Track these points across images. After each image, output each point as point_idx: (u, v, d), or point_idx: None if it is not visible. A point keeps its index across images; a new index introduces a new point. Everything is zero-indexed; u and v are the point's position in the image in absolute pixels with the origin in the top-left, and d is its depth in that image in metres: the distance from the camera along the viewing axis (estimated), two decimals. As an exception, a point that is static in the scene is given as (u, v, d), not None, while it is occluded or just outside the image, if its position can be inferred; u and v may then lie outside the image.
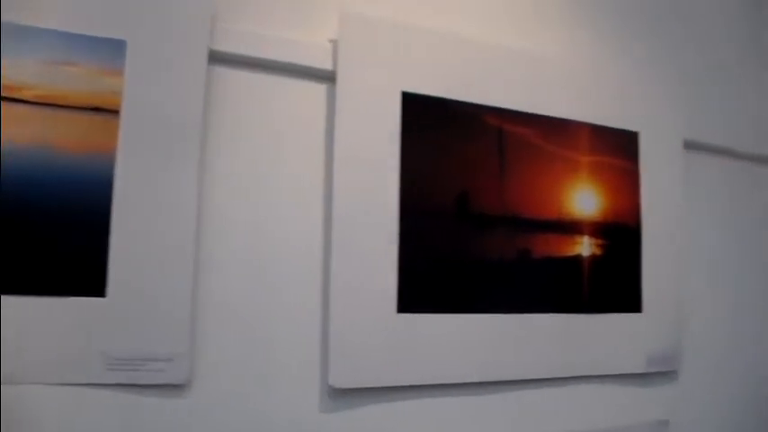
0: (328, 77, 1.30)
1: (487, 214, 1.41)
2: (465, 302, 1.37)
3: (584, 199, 1.53)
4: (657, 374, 1.64)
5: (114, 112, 1.10)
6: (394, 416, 1.30)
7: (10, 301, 1.01)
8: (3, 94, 1.02)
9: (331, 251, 1.25)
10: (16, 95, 1.04)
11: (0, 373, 1.00)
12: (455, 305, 1.36)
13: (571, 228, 1.51)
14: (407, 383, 1.30)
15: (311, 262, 1.27)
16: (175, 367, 1.11)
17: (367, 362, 1.25)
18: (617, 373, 1.56)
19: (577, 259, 1.52)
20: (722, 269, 1.84)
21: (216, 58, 1.21)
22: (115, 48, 1.11)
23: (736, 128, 1.90)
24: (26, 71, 1.05)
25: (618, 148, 1.60)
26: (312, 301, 1.26)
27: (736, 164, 1.90)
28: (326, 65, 1.29)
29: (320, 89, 1.31)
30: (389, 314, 1.28)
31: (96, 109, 1.09)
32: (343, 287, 1.24)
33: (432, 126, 1.37)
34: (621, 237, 1.59)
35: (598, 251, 1.54)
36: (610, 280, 1.56)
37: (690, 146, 1.74)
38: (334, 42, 1.29)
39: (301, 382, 1.24)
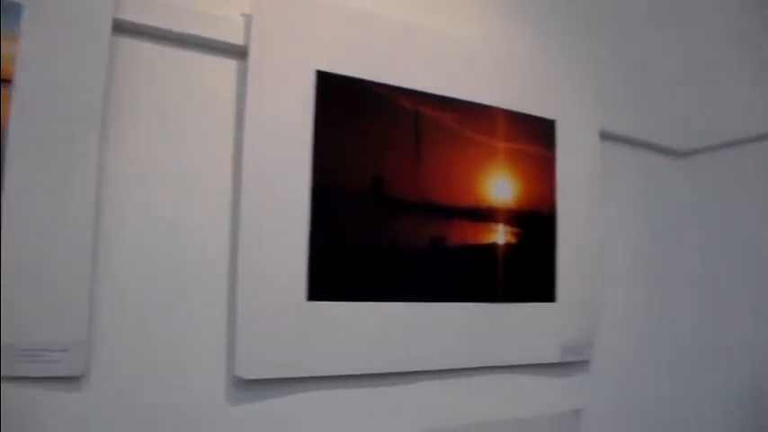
0: (240, 53, 1.27)
1: (403, 199, 1.38)
2: (378, 290, 1.35)
3: (501, 186, 1.53)
4: (571, 364, 1.66)
5: (7, 81, 1.02)
6: (303, 407, 1.28)
7: None
8: None
9: (239, 235, 1.21)
10: None
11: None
12: (368, 293, 1.33)
13: (487, 215, 1.50)
14: (318, 374, 1.28)
15: (218, 247, 1.23)
16: (72, 358, 1.06)
17: (275, 352, 1.22)
18: (531, 362, 1.57)
19: (492, 247, 1.51)
20: (636, 260, 1.89)
21: (121, 27, 1.16)
22: (11, 11, 1.04)
23: (651, 121, 1.95)
24: None
25: (535, 135, 1.60)
26: (219, 288, 1.23)
27: (651, 156, 1.95)
28: (238, 40, 1.26)
29: (231, 65, 1.28)
30: (299, 302, 1.25)
31: (-13, 77, 1.01)
32: (251, 273, 1.20)
33: (347, 106, 1.34)
34: (537, 225, 1.59)
35: (513, 239, 1.53)
36: (524, 269, 1.56)
37: (606, 136, 1.77)
38: (247, 17, 1.26)
39: (207, 372, 1.20)
